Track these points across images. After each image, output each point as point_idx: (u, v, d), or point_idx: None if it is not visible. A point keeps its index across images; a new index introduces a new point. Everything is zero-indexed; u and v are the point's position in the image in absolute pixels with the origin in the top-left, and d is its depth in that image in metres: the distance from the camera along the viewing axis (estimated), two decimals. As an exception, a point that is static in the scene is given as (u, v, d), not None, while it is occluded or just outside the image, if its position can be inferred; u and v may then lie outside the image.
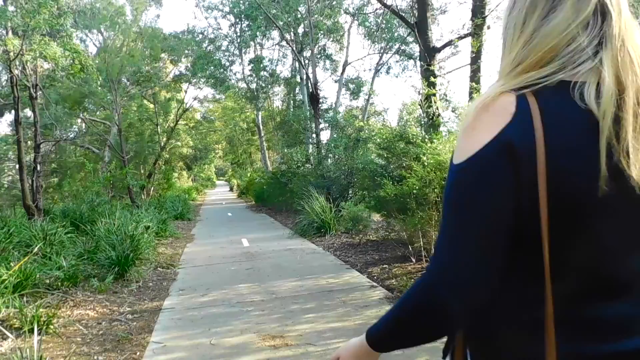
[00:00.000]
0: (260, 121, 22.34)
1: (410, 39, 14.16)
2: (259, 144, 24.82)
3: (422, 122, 5.31)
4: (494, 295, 0.63)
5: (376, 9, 14.46)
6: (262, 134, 22.33)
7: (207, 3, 17.61)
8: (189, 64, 19.06)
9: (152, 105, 20.04)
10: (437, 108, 5.34)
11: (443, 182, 4.49)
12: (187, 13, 66.61)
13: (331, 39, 16.24)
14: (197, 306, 4.22)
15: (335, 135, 10.85)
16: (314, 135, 11.78)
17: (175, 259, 6.97)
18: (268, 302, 4.18)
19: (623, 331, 0.62)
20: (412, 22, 5.84)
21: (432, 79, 5.25)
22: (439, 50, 6.10)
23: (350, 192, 10.28)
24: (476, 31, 5.23)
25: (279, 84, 20.06)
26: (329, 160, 10.45)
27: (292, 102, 20.22)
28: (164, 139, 20.35)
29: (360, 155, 9.63)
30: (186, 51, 18.78)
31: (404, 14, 6.75)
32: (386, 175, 5.46)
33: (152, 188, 22.07)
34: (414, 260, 5.53)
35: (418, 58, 6.20)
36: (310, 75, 11.14)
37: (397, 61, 14.01)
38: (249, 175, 26.50)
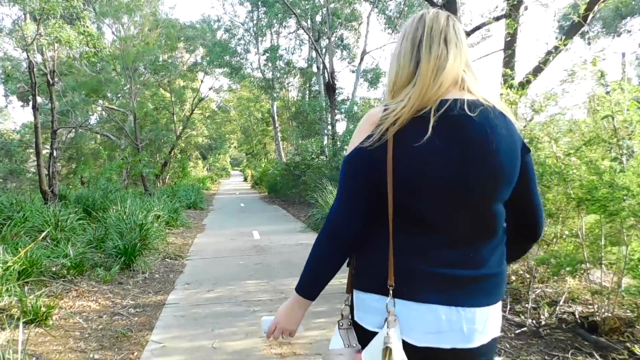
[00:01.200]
0: (275, 111, 22.12)
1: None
2: (273, 135, 24.63)
3: None
4: (361, 232, 1.02)
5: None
6: (277, 125, 22.12)
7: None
8: (204, 53, 18.92)
9: (168, 95, 20.06)
10: None
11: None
12: (203, 3, 66.42)
13: (349, 29, 15.80)
14: (201, 303, 4.03)
15: (351, 127, 10.53)
16: (329, 127, 11.49)
17: (184, 250, 6.83)
18: (276, 302, 3.96)
19: (437, 257, 0.97)
20: (439, 4, 5.44)
21: None
22: (469, 33, 5.67)
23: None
24: (512, 12, 4.80)
25: (294, 74, 19.74)
26: (345, 152, 10.18)
27: (307, 92, 19.91)
28: (180, 128, 20.37)
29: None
30: (202, 40, 18.65)
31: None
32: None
33: (168, 176, 22.23)
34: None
35: None
36: (327, 65, 10.80)
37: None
38: (262, 166, 26.41)
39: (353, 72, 17.55)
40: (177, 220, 9.27)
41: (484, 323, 0.99)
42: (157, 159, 21.10)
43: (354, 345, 1.07)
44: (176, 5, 41.25)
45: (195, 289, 4.52)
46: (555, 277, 3.58)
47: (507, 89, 3.50)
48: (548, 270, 3.41)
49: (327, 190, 8.81)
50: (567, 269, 2.87)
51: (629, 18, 17.89)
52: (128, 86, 11.82)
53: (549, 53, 4.71)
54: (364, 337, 1.03)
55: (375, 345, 0.97)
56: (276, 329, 1.13)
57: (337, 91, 11.18)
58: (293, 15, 14.37)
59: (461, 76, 0.99)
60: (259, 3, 14.85)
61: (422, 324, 0.96)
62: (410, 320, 0.96)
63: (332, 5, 11.51)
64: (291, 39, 17.53)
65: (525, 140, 1.39)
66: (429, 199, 0.96)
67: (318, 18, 13.38)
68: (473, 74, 1.01)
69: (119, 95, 13.83)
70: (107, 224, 6.60)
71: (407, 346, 0.95)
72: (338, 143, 10.50)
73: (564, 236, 3.25)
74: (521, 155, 1.01)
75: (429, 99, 0.95)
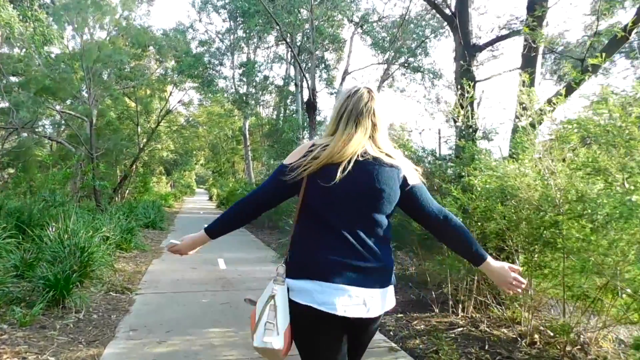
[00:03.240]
0: (247, 129, 21.25)
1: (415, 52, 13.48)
2: (243, 154, 23.65)
3: (461, 134, 4.31)
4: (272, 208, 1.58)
5: (381, 17, 13.75)
6: (248, 143, 21.20)
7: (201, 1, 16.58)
8: (174, 67, 17.90)
9: (133, 104, 18.75)
10: (472, 119, 4.36)
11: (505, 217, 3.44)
12: (180, 12, 65.41)
13: (330, 50, 15.42)
14: (149, 361, 3.05)
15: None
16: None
17: (134, 280, 5.74)
18: (249, 362, 3.05)
19: (331, 258, 1.41)
20: (449, 14, 4.93)
21: (467, 82, 4.31)
22: (481, 48, 5.18)
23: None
24: (533, 25, 4.30)
25: (270, 91, 19.07)
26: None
27: (283, 110, 19.21)
28: (144, 140, 19.01)
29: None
30: (174, 52, 17.67)
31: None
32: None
33: (128, 191, 20.58)
34: (436, 309, 4.44)
35: (453, 58, 5.20)
36: (309, 82, 10.19)
37: (403, 74, 13.25)
38: (230, 185, 25.23)
39: (332, 94, 17.14)
40: (130, 242, 8.09)
41: (374, 300, 1.44)
42: (117, 171, 19.54)
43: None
44: (150, 12, 39.54)
45: (142, 339, 3.52)
46: None
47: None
48: None
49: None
50: None
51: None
52: (87, 89, 10.63)
53: (584, 71, 4.19)
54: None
55: (265, 293, 1.46)
56: (177, 249, 1.63)
57: (317, 109, 10.54)
58: (273, 29, 13.84)
59: (371, 138, 1.49)
60: (237, 14, 14.19)
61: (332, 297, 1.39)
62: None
63: (316, 23, 11.01)
64: (269, 54, 16.90)
65: None
66: (333, 211, 1.44)
67: (298, 37, 12.89)
68: (384, 134, 1.51)
69: (78, 100, 12.50)
70: (41, 246, 5.45)
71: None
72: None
73: None
74: (404, 187, 1.49)
75: (337, 158, 1.42)
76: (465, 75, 4.80)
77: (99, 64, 10.92)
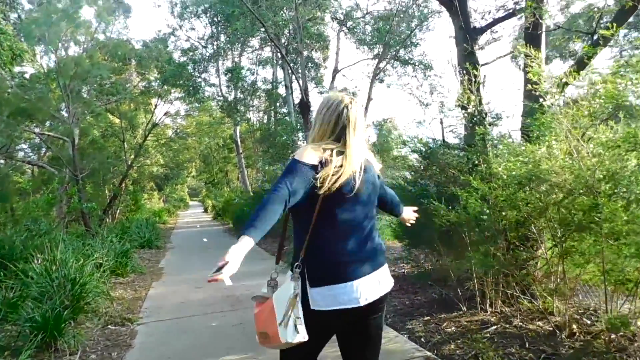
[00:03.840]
0: (238, 136, 20.74)
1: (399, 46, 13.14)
2: (236, 162, 23.12)
3: (471, 120, 3.90)
4: (297, 206, 1.53)
5: (365, 14, 13.37)
6: (241, 151, 20.67)
7: (181, 8, 16.04)
8: (158, 77, 17.36)
9: (117, 120, 18.12)
10: (481, 104, 3.98)
11: (540, 202, 3.05)
12: (159, 22, 64.45)
13: (316, 49, 15.00)
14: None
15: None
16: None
17: (135, 308, 5.22)
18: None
19: (351, 258, 1.56)
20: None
21: (472, 66, 3.92)
22: (483, 30, 4.81)
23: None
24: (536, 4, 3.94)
25: (259, 96, 18.60)
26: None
27: (273, 114, 18.74)
28: (132, 157, 18.39)
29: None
30: (156, 62, 17.11)
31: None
32: (425, 194, 4.01)
33: (118, 211, 19.92)
34: (463, 307, 4.07)
35: (454, 42, 4.81)
36: (300, 82, 9.75)
37: (394, 67, 12.89)
38: (225, 195, 24.67)
39: (321, 93, 16.71)
40: (126, 265, 7.53)
41: (382, 275, 1.68)
42: (106, 191, 18.89)
43: (270, 294, 1.65)
44: (128, 26, 38.82)
45: (149, 382, 3.04)
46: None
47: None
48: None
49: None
50: None
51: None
52: (66, 107, 10.04)
53: (595, 44, 3.87)
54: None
55: (283, 292, 1.57)
56: (224, 268, 1.39)
57: (311, 109, 10.10)
58: (258, 32, 13.36)
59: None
60: (218, 19, 13.68)
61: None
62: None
63: (302, 21, 10.58)
64: (255, 57, 16.42)
65: None
66: (350, 216, 1.59)
67: (284, 38, 12.45)
68: (365, 140, 1.74)
69: (57, 120, 11.87)
70: (26, 281, 4.92)
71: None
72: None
73: None
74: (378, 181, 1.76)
75: (355, 167, 1.60)
76: (469, 59, 4.44)
77: (76, 80, 10.37)
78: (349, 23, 13.26)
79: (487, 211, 3.09)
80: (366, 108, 11.83)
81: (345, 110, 1.62)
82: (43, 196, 9.07)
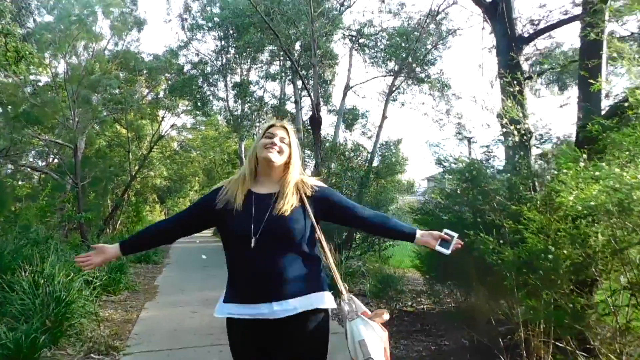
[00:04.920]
0: (243, 151, 20.48)
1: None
2: (240, 177, 22.72)
3: (522, 140, 3.47)
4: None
5: (378, 31, 13.20)
6: (245, 166, 20.34)
7: (192, 22, 16.03)
8: (166, 86, 17.22)
9: (124, 130, 17.93)
10: (526, 121, 3.57)
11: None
12: (169, 36, 65.32)
13: (327, 66, 14.83)
14: None
15: (340, 167, 9.03)
16: (312, 167, 9.96)
17: (123, 333, 4.74)
18: None
19: None
20: (487, 1, 4.24)
21: (520, 78, 3.54)
22: (531, 38, 4.46)
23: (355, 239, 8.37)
24: (595, 14, 3.53)
25: (266, 112, 18.39)
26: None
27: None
28: (136, 168, 18.10)
29: (372, 192, 7.81)
30: (166, 74, 17.05)
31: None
32: (457, 222, 3.56)
33: (119, 221, 19.52)
34: (505, 360, 3.51)
35: (495, 52, 4.45)
36: (312, 96, 9.46)
37: (408, 84, 12.60)
38: (228, 210, 24.22)
39: (331, 111, 16.46)
40: (120, 282, 7.06)
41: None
42: (108, 201, 18.54)
43: (356, 310, 1.66)
44: (140, 39, 39.12)
45: None
46: None
47: None
48: None
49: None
50: None
51: None
52: (71, 112, 9.76)
53: None
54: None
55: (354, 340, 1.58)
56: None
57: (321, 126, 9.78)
58: (269, 44, 13.21)
59: None
60: (229, 33, 13.54)
61: None
62: None
63: (317, 34, 10.40)
64: (265, 71, 16.25)
65: None
66: None
67: (297, 46, 12.29)
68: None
69: (63, 126, 11.64)
70: (8, 297, 4.50)
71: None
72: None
73: None
74: None
75: None
76: (513, 70, 4.04)
77: (85, 89, 10.15)
78: (362, 40, 13.08)
79: (552, 249, 2.59)
80: (380, 126, 11.47)
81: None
82: (38, 203, 8.69)
